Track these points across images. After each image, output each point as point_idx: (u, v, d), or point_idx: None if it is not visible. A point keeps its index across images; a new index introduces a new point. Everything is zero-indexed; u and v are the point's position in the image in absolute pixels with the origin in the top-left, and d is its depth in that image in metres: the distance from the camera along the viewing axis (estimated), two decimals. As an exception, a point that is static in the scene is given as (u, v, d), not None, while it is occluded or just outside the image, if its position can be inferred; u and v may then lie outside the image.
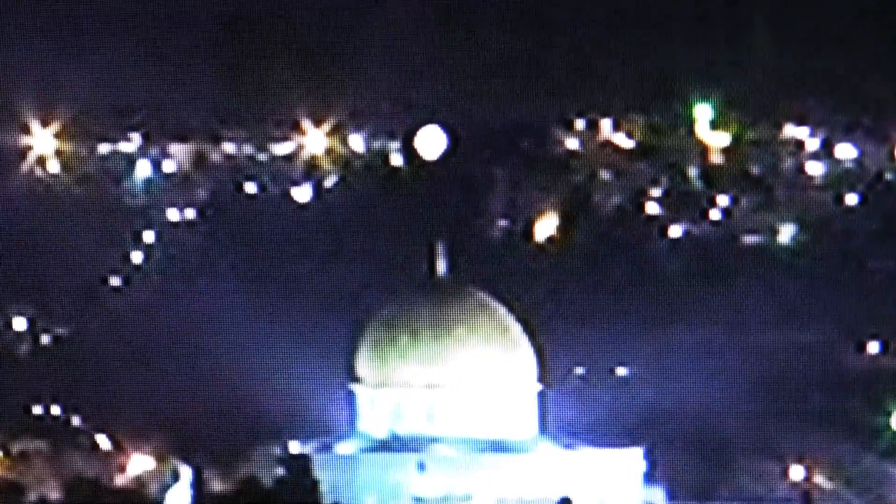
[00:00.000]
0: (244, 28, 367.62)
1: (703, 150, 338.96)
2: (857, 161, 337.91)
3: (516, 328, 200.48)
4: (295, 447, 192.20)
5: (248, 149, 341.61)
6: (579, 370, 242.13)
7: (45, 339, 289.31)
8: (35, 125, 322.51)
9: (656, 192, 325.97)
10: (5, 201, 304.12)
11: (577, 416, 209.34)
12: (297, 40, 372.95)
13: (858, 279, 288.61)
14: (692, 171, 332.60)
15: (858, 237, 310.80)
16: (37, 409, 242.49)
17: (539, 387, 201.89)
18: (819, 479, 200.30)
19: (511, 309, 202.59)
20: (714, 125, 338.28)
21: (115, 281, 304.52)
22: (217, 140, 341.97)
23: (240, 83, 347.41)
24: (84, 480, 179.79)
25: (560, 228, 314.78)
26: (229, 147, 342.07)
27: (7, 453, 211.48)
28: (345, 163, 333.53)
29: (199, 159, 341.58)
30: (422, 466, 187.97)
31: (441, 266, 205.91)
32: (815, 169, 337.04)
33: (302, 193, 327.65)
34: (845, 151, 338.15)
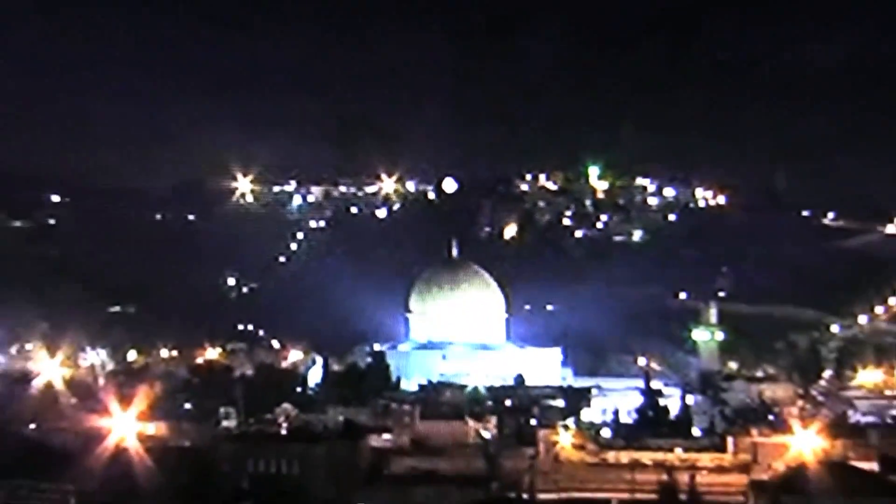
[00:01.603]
0: (345, 128, 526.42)
1: (593, 191, 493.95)
2: (675, 197, 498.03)
3: (494, 284, 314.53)
4: (376, 347, 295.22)
5: (352, 189, 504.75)
6: (527, 307, 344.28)
7: (244, 289, 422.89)
8: (239, 175, 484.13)
9: (568, 213, 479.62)
10: (224, 217, 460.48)
11: (525, 330, 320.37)
12: (378, 128, 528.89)
13: (675, 259, 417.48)
14: (588, 202, 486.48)
15: (676, 237, 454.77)
16: (240, 326, 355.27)
17: (505, 315, 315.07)
18: (654, 364, 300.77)
19: (491, 274, 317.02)
20: (599, 177, 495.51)
21: (282, 259, 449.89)
22: (336, 184, 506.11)
23: (347, 153, 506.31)
24: (264, 364, 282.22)
25: (518, 233, 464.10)
26: (343, 188, 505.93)
27: (224, 349, 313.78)
28: (403, 196, 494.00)
29: (326, 194, 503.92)
30: (444, 357, 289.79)
31: (454, 252, 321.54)
32: (652, 201, 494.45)
33: (381, 213, 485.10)
34: (668, 192, 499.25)
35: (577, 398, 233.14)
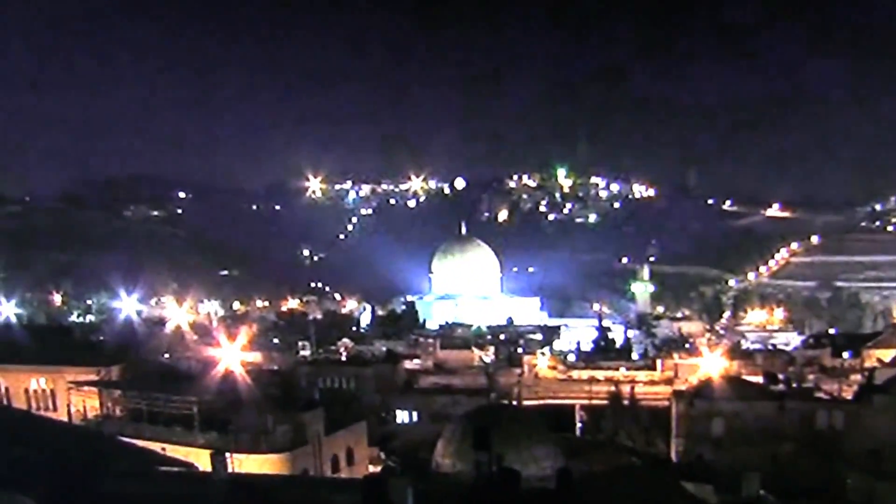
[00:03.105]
0: (386, 143, 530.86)
1: (561, 186, 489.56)
2: (620, 190, 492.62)
3: (491, 253, 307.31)
4: (409, 297, 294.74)
5: (391, 186, 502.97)
6: (515, 269, 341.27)
7: (315, 258, 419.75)
8: (310, 175, 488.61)
9: (544, 202, 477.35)
10: (301, 207, 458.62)
11: (513, 285, 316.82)
12: (409, 143, 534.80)
13: (619, 234, 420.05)
14: (557, 194, 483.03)
15: (619, 218, 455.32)
16: (312, 284, 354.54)
17: (499, 274, 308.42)
18: (604, 308, 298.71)
19: (489, 246, 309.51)
20: (565, 177, 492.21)
21: (341, 236, 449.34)
22: (379, 183, 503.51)
23: (388, 161, 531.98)
24: (329, 311, 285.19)
25: (507, 217, 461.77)
26: (384, 186, 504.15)
27: (301, 300, 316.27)
28: (427, 191, 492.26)
29: (373, 190, 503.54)
30: (456, 305, 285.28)
31: (463, 230, 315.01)
32: (602, 193, 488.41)
33: (411, 203, 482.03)
34: (614, 187, 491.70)
35: (551, 333, 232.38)
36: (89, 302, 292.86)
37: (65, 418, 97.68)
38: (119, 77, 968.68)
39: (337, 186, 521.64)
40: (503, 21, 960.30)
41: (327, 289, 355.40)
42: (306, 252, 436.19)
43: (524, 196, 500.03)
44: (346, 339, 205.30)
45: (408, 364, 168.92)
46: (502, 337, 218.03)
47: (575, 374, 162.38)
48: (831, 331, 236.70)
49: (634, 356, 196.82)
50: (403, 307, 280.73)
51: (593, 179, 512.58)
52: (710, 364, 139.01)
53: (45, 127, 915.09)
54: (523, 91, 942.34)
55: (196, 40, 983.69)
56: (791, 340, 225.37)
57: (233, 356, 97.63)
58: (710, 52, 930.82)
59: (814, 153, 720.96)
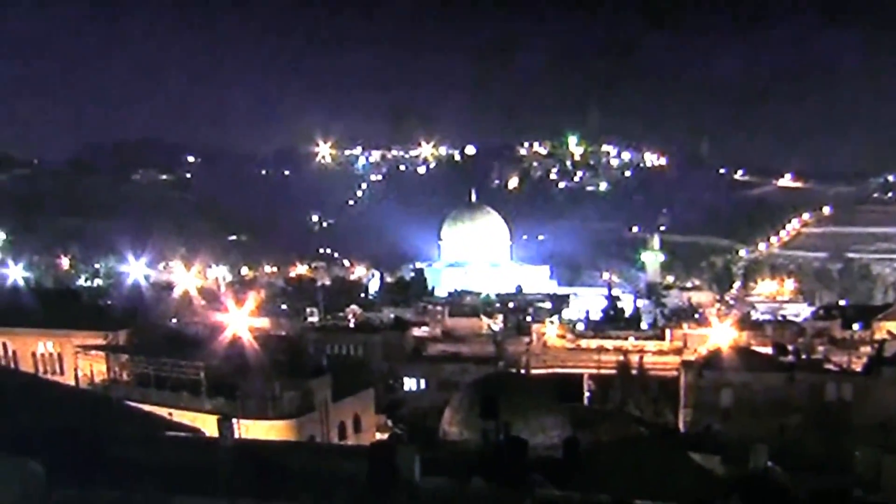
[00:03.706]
0: (396, 109, 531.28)
1: (572, 154, 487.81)
2: (631, 159, 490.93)
3: (501, 221, 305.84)
4: (418, 264, 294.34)
5: (401, 152, 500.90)
6: (524, 237, 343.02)
7: (324, 224, 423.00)
8: (320, 141, 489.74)
9: (554, 170, 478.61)
10: (310, 172, 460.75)
11: (523, 253, 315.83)
12: (419, 110, 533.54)
13: (629, 203, 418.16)
14: (568, 162, 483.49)
15: (630, 187, 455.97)
16: (321, 250, 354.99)
17: (509, 242, 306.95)
18: (614, 277, 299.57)
19: (499, 214, 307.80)
20: (577, 145, 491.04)
21: (351, 202, 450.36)
22: (389, 149, 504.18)
23: (398, 127, 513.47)
24: (338, 277, 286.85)
25: (518, 184, 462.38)
26: (394, 152, 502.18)
27: (309, 266, 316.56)
28: (437, 158, 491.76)
29: (382, 156, 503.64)
30: (466, 272, 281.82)
31: (473, 198, 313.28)
32: (613, 162, 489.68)
33: (421, 170, 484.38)
34: (625, 155, 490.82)
35: (560, 301, 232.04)
36: (97, 266, 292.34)
37: (72, 382, 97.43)
38: (129, 41, 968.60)
39: (347, 152, 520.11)
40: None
41: (336, 255, 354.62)
42: (315, 218, 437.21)
43: (535, 164, 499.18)
44: (354, 306, 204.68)
45: (416, 331, 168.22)
46: (511, 305, 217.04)
47: (584, 343, 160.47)
48: (842, 302, 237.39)
49: (644, 326, 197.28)
50: (412, 274, 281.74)
51: (604, 148, 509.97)
52: (719, 335, 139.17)
53: (54, 90, 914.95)
54: (535, 60, 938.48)
55: (207, 4, 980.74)
56: (801, 312, 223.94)
57: (240, 322, 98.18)
58: (723, 23, 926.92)
59: (826, 124, 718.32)
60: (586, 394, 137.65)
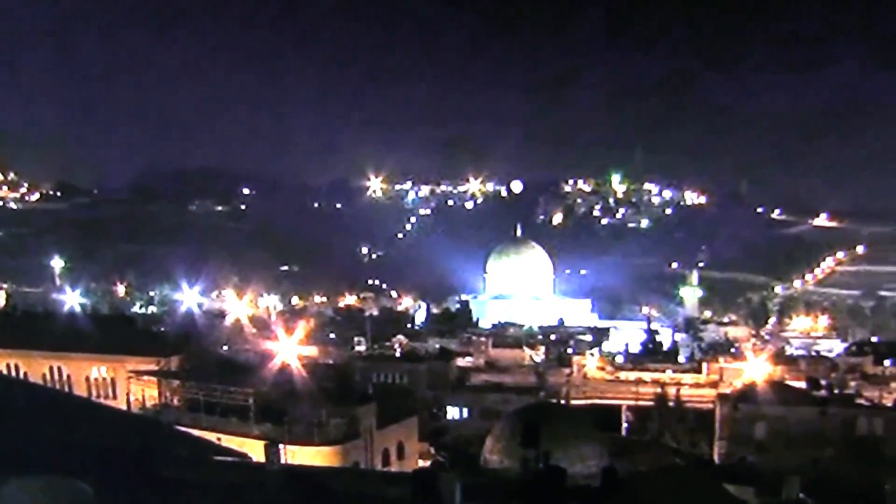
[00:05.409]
0: (446, 145, 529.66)
1: (615, 192, 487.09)
2: (673, 197, 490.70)
3: (545, 255, 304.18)
4: (463, 296, 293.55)
5: (450, 187, 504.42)
6: (567, 271, 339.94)
7: (374, 256, 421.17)
8: (372, 177, 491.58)
9: (597, 207, 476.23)
10: (361, 205, 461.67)
11: (566, 287, 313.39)
12: (468, 146, 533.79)
13: (670, 239, 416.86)
14: (611, 199, 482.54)
15: (671, 224, 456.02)
16: (370, 281, 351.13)
17: (552, 276, 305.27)
18: (653, 312, 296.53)
19: (543, 248, 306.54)
20: (620, 183, 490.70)
21: (400, 235, 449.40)
22: (438, 184, 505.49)
23: (447, 163, 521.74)
24: (385, 307, 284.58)
25: (562, 220, 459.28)
26: (443, 187, 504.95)
27: (358, 296, 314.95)
28: (485, 193, 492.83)
29: (432, 191, 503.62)
30: (510, 305, 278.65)
31: (519, 232, 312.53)
32: (655, 199, 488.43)
33: (469, 205, 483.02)
34: (666, 193, 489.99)
35: (601, 334, 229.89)
36: (152, 293, 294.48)
37: (124, 406, 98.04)
38: (192, 71, 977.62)
39: (397, 186, 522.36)
40: (571, 27, 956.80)
41: (384, 286, 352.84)
42: (365, 250, 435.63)
43: (578, 200, 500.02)
44: (400, 336, 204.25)
45: (460, 361, 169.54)
46: (553, 337, 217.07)
47: (623, 375, 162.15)
48: (874, 339, 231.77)
49: (681, 359, 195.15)
50: (458, 306, 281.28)
51: (646, 186, 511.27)
52: (754, 368, 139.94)
53: (117, 119, 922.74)
54: (587, 97, 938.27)
55: (270, 37, 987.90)
56: (834, 347, 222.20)
57: (290, 349, 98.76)
58: (776, 62, 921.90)
59: (871, 164, 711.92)
60: (624, 424, 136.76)
